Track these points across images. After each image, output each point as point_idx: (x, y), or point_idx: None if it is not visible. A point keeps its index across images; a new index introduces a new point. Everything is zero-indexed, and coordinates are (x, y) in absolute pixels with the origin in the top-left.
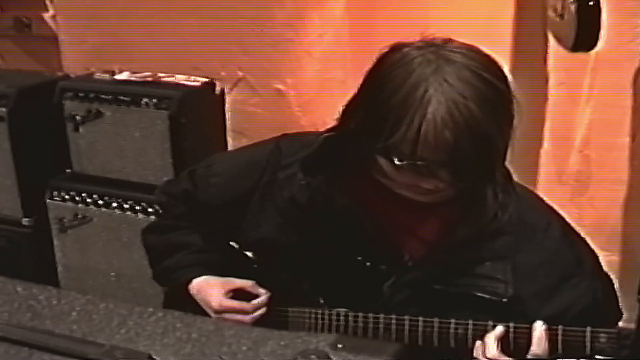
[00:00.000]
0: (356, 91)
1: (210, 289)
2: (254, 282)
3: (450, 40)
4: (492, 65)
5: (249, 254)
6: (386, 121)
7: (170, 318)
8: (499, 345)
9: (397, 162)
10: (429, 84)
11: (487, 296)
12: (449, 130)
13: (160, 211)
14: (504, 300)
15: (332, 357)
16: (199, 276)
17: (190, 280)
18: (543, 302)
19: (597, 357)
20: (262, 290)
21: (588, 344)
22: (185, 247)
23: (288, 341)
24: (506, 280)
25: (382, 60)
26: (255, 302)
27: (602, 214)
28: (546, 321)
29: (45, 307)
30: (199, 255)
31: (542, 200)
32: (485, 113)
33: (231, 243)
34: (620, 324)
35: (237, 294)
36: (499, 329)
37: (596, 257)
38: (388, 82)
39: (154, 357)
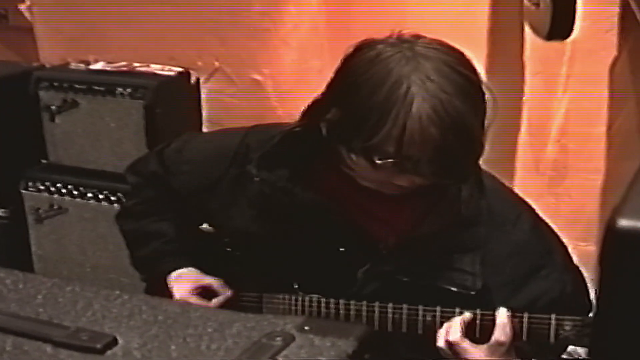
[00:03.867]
0: (326, 89)
1: (179, 283)
2: (222, 280)
3: (420, 37)
4: (465, 59)
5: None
6: (367, 121)
7: (136, 301)
8: (463, 330)
9: (378, 162)
10: (411, 82)
11: (456, 289)
12: (435, 127)
13: (130, 192)
14: (472, 293)
15: (298, 338)
16: (178, 268)
17: (168, 272)
18: (511, 293)
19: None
20: (227, 291)
21: (553, 332)
22: (159, 236)
23: (254, 323)
24: (475, 272)
25: (354, 58)
26: (215, 301)
27: (580, 204)
28: (513, 311)
29: (12, 290)
30: (173, 244)
31: (512, 191)
32: (468, 107)
33: (202, 227)
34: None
35: (205, 290)
36: (466, 314)
37: (566, 250)
38: (365, 81)
39: (119, 339)
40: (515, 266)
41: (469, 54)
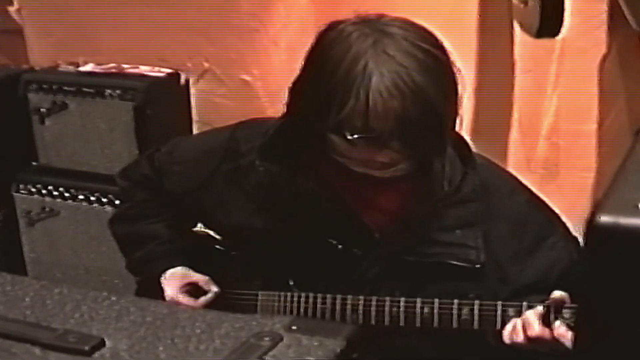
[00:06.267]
0: (299, 72)
1: (170, 282)
2: (209, 278)
3: (384, 16)
4: (428, 35)
5: (217, 245)
6: (333, 98)
7: (124, 302)
8: (540, 323)
9: (349, 137)
10: (369, 57)
11: (460, 263)
12: (396, 99)
13: (122, 197)
14: (477, 266)
15: (286, 338)
16: (172, 267)
17: (161, 273)
18: (522, 265)
19: None
20: (213, 288)
21: (499, 319)
22: (154, 238)
23: (243, 323)
24: (477, 246)
25: (320, 38)
26: (202, 300)
27: (571, 202)
28: (530, 286)
29: None
30: (168, 245)
31: (502, 168)
32: (428, 81)
33: (196, 229)
34: None
35: (193, 287)
36: (538, 307)
37: (561, 219)
38: (329, 60)
39: (107, 340)
40: (520, 238)
41: (455, 52)
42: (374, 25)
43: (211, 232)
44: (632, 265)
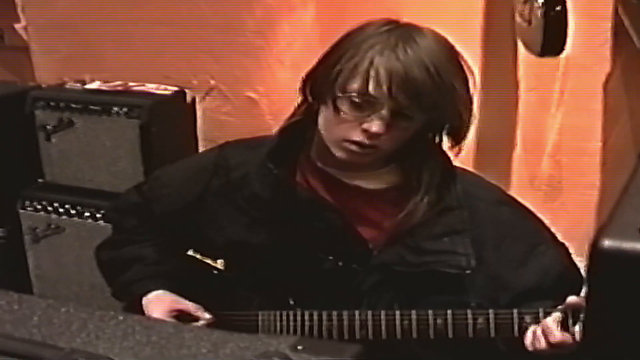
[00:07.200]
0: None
1: (156, 305)
2: (199, 305)
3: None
4: (446, 41)
5: (219, 265)
6: (337, 62)
7: (130, 321)
8: (559, 328)
9: (343, 108)
10: (379, 40)
11: (451, 270)
12: (400, 62)
13: (112, 229)
14: (468, 272)
15: (292, 358)
16: (156, 290)
17: (145, 293)
18: (518, 272)
19: None
20: (205, 315)
21: (516, 325)
22: (139, 260)
23: (248, 343)
24: (467, 252)
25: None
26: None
27: (575, 219)
28: (528, 292)
29: (6, 311)
30: (154, 267)
31: (486, 180)
32: (439, 60)
33: (189, 253)
34: None
35: (183, 314)
36: (556, 314)
37: (548, 226)
38: (340, 43)
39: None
40: (510, 245)
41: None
42: (395, 25)
43: (209, 261)
44: (635, 289)
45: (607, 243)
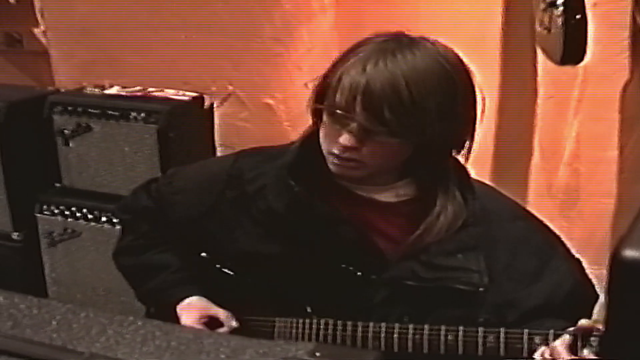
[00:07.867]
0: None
1: (188, 312)
2: (230, 313)
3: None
4: (451, 53)
5: (227, 271)
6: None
7: (150, 327)
8: (569, 351)
9: (324, 117)
10: (368, 51)
11: (464, 287)
12: (365, 76)
13: (124, 230)
14: (481, 289)
15: None
16: (189, 296)
17: (179, 301)
18: (528, 289)
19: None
20: (233, 323)
21: (526, 346)
22: (165, 267)
23: (267, 349)
24: (480, 269)
25: None
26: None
27: (591, 228)
28: (537, 308)
29: (26, 316)
30: (180, 274)
31: (502, 193)
32: (414, 75)
33: (203, 254)
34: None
35: (212, 320)
36: (565, 337)
37: (562, 240)
38: (342, 54)
39: None
40: (524, 261)
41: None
42: (394, 37)
43: (224, 270)
44: None
45: (628, 253)
